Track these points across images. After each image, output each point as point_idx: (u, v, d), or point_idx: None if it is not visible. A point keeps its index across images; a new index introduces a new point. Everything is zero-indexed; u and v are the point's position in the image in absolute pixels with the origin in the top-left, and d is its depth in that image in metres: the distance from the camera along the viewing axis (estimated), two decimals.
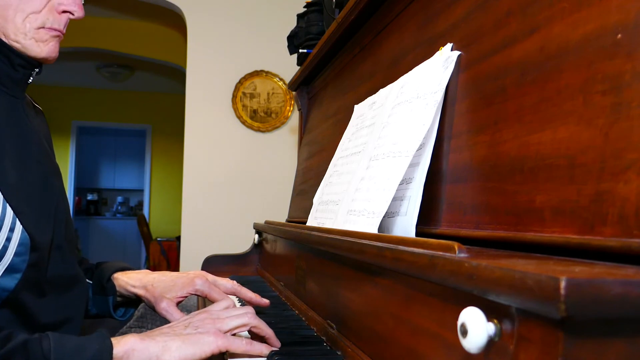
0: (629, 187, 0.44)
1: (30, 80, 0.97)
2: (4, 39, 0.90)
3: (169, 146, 7.73)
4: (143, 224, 6.54)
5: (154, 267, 5.79)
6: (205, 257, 1.77)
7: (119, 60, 6.07)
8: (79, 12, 0.95)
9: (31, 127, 0.96)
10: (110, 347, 0.71)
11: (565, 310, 0.33)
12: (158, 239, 6.36)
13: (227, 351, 0.77)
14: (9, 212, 0.83)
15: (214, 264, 1.75)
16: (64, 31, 0.96)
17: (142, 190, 8.26)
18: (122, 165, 9.19)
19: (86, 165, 8.77)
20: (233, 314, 0.83)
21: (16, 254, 0.84)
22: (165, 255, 5.83)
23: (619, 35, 0.48)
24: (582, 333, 0.35)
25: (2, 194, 0.82)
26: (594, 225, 0.47)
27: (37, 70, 0.96)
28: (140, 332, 0.83)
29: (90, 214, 8.64)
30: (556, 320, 0.35)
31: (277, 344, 0.83)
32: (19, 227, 0.84)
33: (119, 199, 9.15)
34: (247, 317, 0.82)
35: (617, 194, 0.45)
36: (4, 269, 0.83)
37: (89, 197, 8.86)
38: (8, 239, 0.82)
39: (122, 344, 0.73)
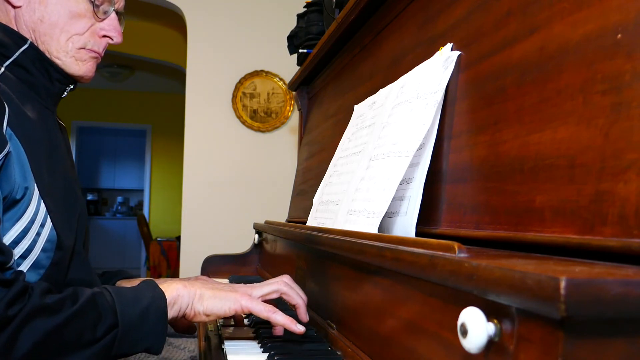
0: (629, 187, 0.44)
1: (64, 95, 1.02)
2: (46, 54, 0.96)
3: (169, 146, 7.73)
4: (143, 224, 6.54)
5: (153, 267, 5.79)
6: (205, 257, 1.77)
7: (119, 60, 6.08)
8: (117, 38, 1.02)
9: (59, 139, 1.01)
10: (163, 294, 0.80)
11: (565, 310, 0.33)
12: (158, 239, 6.36)
13: (249, 312, 0.83)
14: (42, 208, 0.86)
15: (214, 264, 1.75)
16: (102, 54, 1.03)
17: (142, 190, 8.26)
18: (122, 165, 9.19)
19: (86, 165, 8.77)
20: (268, 282, 0.89)
21: (43, 250, 0.86)
22: (165, 255, 5.82)
23: (619, 35, 0.48)
24: (582, 333, 0.35)
25: (39, 190, 0.85)
26: (594, 225, 0.47)
27: (72, 86, 1.02)
28: None
29: (90, 214, 8.63)
30: (556, 320, 0.35)
31: (305, 317, 0.86)
32: (49, 224, 0.87)
33: (119, 199, 9.15)
34: (279, 284, 0.86)
35: (617, 194, 0.45)
36: (30, 264, 0.85)
37: (89, 197, 8.86)
38: (38, 234, 0.85)
39: (170, 291, 0.81)
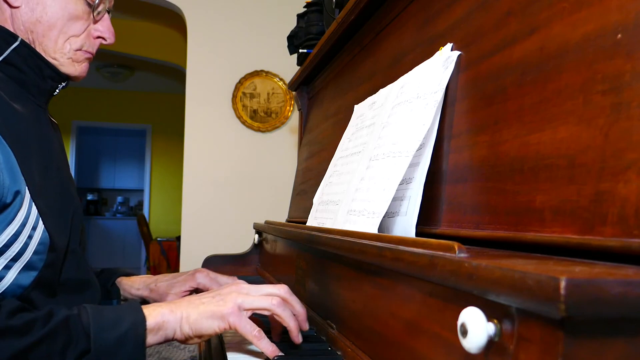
0: (629, 187, 0.44)
1: (56, 92, 1.02)
2: (42, 54, 0.96)
3: (169, 146, 7.74)
4: (143, 224, 6.54)
5: (154, 267, 5.79)
6: (205, 257, 1.77)
7: (119, 60, 6.08)
8: (111, 39, 1.04)
9: (52, 137, 1.00)
10: (144, 320, 0.75)
11: (565, 310, 0.33)
12: (158, 239, 6.36)
13: (235, 329, 0.78)
14: (34, 211, 0.85)
15: (214, 264, 1.75)
16: (94, 54, 1.04)
17: (142, 190, 8.27)
18: (122, 165, 9.20)
19: (86, 165, 8.77)
20: (262, 292, 0.82)
21: (35, 252, 0.85)
22: (165, 255, 5.83)
23: (619, 35, 0.48)
24: (582, 333, 0.35)
25: (30, 193, 0.84)
26: (594, 225, 0.47)
27: (64, 84, 1.02)
28: None
29: (90, 214, 8.64)
30: (556, 320, 0.35)
31: (297, 340, 0.81)
32: (40, 226, 0.86)
33: (119, 199, 9.15)
34: (272, 302, 0.80)
35: (617, 194, 0.45)
36: (22, 266, 0.84)
37: (89, 197, 8.86)
38: (30, 237, 0.84)
39: (154, 316, 0.76)
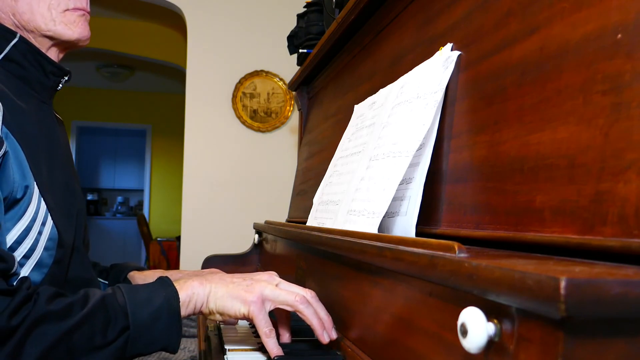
0: (629, 187, 0.44)
1: (59, 88, 1.02)
2: (37, 37, 0.95)
3: (169, 146, 7.73)
4: (143, 224, 6.54)
5: (154, 267, 5.79)
6: (205, 257, 1.77)
7: (119, 60, 6.08)
8: None
9: (57, 133, 1.00)
10: (176, 294, 0.78)
11: (565, 310, 0.33)
12: (158, 239, 6.37)
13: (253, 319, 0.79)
14: (43, 206, 0.85)
15: (214, 264, 1.75)
16: (89, 9, 1.01)
17: (142, 190, 8.26)
18: (122, 165, 9.19)
19: (86, 165, 8.77)
20: (291, 289, 0.83)
21: (45, 248, 0.86)
22: (165, 255, 5.83)
23: (619, 35, 0.48)
24: (582, 333, 0.35)
25: (38, 188, 0.85)
26: (594, 225, 0.47)
27: (66, 78, 1.01)
28: None
29: (90, 214, 8.63)
30: (556, 320, 0.35)
31: (324, 339, 0.79)
32: (49, 222, 0.86)
33: (119, 199, 9.15)
34: (295, 298, 0.79)
35: (617, 194, 0.45)
36: (34, 263, 0.85)
37: (89, 197, 8.86)
38: (40, 233, 0.85)
39: (185, 289, 0.79)
